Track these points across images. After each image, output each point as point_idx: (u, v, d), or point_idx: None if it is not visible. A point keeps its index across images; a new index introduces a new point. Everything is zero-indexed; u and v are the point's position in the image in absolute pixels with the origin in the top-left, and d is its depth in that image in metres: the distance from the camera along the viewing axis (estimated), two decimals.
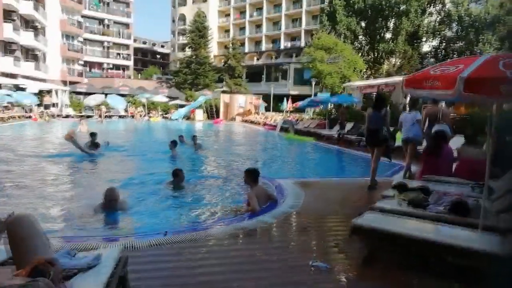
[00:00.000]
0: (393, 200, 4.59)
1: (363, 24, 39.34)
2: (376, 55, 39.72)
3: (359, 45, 40.14)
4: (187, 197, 6.55)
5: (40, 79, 37.78)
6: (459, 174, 6.00)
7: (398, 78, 22.99)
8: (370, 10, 37.61)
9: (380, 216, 3.98)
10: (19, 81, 32.49)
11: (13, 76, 33.23)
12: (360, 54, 38.35)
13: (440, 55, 38.80)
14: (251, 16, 63.77)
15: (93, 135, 12.91)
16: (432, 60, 40.90)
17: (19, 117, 25.39)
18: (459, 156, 6.41)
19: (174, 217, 5.37)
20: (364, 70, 38.02)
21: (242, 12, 65.44)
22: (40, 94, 31.70)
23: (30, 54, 38.48)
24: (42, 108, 28.91)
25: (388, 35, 39.59)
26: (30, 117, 26.00)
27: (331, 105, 24.14)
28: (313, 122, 22.18)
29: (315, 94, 30.00)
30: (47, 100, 28.94)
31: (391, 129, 14.81)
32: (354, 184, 7.76)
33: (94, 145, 11.16)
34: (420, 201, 4.36)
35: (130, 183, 7.62)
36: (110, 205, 5.03)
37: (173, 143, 11.57)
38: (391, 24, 39.03)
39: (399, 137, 14.22)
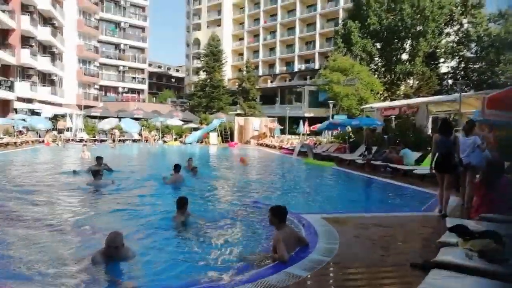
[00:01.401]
0: (457, 250, 3.67)
1: (378, 45, 38.89)
2: (393, 77, 39.01)
3: (375, 67, 39.56)
4: (197, 239, 5.59)
5: (56, 103, 38.07)
6: None
7: (420, 100, 22.09)
8: (386, 31, 37.16)
9: (449, 278, 3.06)
10: (35, 106, 32.67)
11: (29, 101, 33.49)
12: (376, 76, 37.69)
13: (459, 76, 37.78)
14: (264, 39, 64.15)
15: (98, 159, 12.24)
16: (450, 81, 39.98)
17: (32, 142, 25.17)
18: None
19: (184, 267, 4.47)
20: (381, 91, 37.26)
21: (256, 36, 65.94)
22: (55, 118, 31.72)
23: (47, 79, 38.94)
24: (55, 133, 28.73)
25: (404, 56, 38.97)
26: (43, 141, 25.76)
27: (349, 128, 23.22)
28: (332, 146, 21.25)
29: (332, 117, 29.18)
30: (60, 124, 28.81)
31: (419, 153, 13.95)
32: (394, 220, 6.77)
33: (95, 173, 9.87)
34: (494, 253, 3.43)
35: (133, 218, 6.80)
36: (112, 252, 4.22)
37: (176, 167, 10.75)
38: (407, 45, 38.49)
39: (427, 162, 13.29)
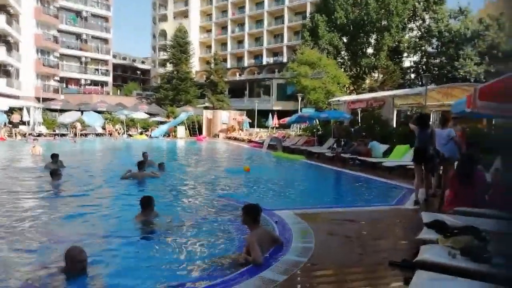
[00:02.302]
0: (438, 248, 3.58)
1: (345, 39, 39.38)
2: (358, 70, 39.68)
3: (341, 61, 40.07)
4: (163, 241, 5.22)
5: (13, 96, 35.87)
6: (493, 204, 5.07)
7: (387, 93, 22.48)
8: (352, 25, 37.65)
9: (438, 281, 2.92)
10: None
11: None
12: (343, 70, 38.20)
13: (421, 70, 38.96)
14: (233, 32, 63.45)
15: (53, 156, 11.52)
16: (413, 75, 41.20)
17: None
18: (494, 182, 5.49)
19: (148, 273, 4.11)
20: (348, 85, 37.82)
21: (224, 28, 65.09)
22: (12, 111, 29.86)
23: (2, 69, 36.61)
24: (10, 127, 27.03)
25: (370, 50, 39.71)
26: None
27: (317, 121, 23.34)
28: (301, 139, 21.28)
29: (300, 110, 29.27)
30: (15, 118, 27.09)
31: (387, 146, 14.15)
32: (367, 215, 6.69)
33: (53, 172, 9.08)
34: (477, 250, 3.35)
35: (91, 222, 6.27)
36: (76, 268, 3.78)
37: (141, 164, 10.31)
38: (372, 40, 39.21)
39: (395, 155, 13.49)
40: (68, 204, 7.66)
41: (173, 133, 32.60)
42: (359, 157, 13.68)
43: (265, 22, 59.05)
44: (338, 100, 25.49)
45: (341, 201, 8.77)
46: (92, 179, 10.60)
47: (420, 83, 35.45)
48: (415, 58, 40.28)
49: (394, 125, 19.24)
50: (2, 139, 23.56)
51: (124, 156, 17.19)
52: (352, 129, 18.86)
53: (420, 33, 38.97)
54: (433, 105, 19.47)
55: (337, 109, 24.45)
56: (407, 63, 41.49)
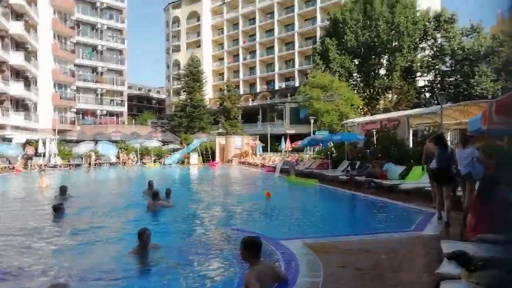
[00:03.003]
0: (461, 285, 3.11)
1: (356, 61, 39.30)
2: (372, 92, 39.34)
3: (354, 83, 39.88)
4: (159, 276, 4.87)
5: (31, 129, 36.72)
6: None
7: (401, 113, 22.01)
8: (362, 47, 37.62)
9: None
10: (6, 132, 31.37)
11: (1, 127, 32.16)
12: (356, 91, 37.93)
13: (435, 89, 38.33)
14: (244, 59, 64.38)
15: (62, 189, 11.39)
16: (428, 94, 40.55)
17: (1, 169, 23.88)
18: None
19: None
20: (361, 106, 37.44)
21: (236, 56, 66.15)
22: (29, 144, 30.44)
23: (21, 104, 37.66)
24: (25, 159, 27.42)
25: (382, 71, 39.45)
26: (13, 168, 24.47)
27: (330, 143, 22.89)
28: (314, 162, 20.80)
29: (314, 133, 28.91)
30: (30, 150, 27.49)
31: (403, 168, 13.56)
32: (382, 244, 6.17)
33: (56, 208, 8.79)
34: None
35: (85, 255, 6.00)
36: None
37: (155, 194, 9.98)
38: (384, 61, 39.02)
39: (412, 177, 12.88)
40: (67, 237, 7.40)
41: (187, 160, 32.54)
42: (374, 180, 13.13)
43: (276, 49, 59.78)
44: (352, 122, 25.10)
45: (355, 228, 8.22)
46: (97, 210, 10.35)
47: (436, 102, 34.79)
48: (429, 77, 39.76)
49: (411, 145, 18.66)
50: (18, 171, 23.85)
51: (134, 185, 17.02)
52: (368, 151, 18.34)
53: (432, 52, 38.59)
54: (450, 124, 18.87)
55: (351, 131, 24.02)
56: (421, 82, 40.95)
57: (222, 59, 68.31)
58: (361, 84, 39.92)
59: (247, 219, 8.89)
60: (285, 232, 7.11)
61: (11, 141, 29.36)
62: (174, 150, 34.41)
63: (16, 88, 35.13)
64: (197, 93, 49.13)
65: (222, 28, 67.63)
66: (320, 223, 8.62)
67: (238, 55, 65.51)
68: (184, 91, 50.60)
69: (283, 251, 5.49)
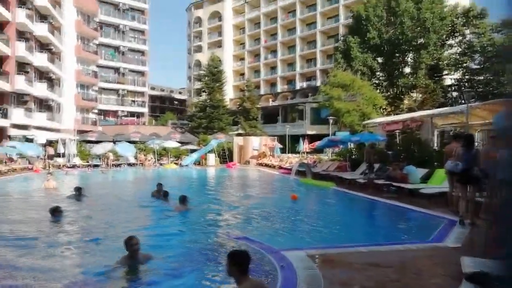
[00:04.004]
0: None
1: (380, 60, 38.06)
2: (395, 91, 37.99)
3: (377, 82, 38.64)
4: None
5: (54, 129, 37.38)
6: None
7: (424, 113, 20.86)
8: (386, 45, 36.36)
9: None
10: (30, 132, 31.95)
11: (25, 127, 32.82)
12: (378, 91, 36.70)
13: (463, 87, 36.57)
14: (265, 58, 63.88)
15: (77, 189, 11.22)
16: (455, 93, 38.79)
17: (21, 169, 24.19)
18: None
19: None
20: (384, 106, 36.15)
21: (257, 55, 65.77)
22: (50, 144, 30.92)
23: (44, 104, 38.42)
24: (46, 159, 27.78)
25: (407, 70, 38.03)
26: (32, 168, 24.77)
27: (350, 144, 22.00)
28: (332, 164, 19.98)
29: (334, 133, 28.02)
30: (50, 150, 27.79)
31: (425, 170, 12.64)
32: (395, 257, 5.44)
33: (53, 210, 8.56)
34: None
35: (76, 263, 5.60)
36: None
37: (183, 198, 9.63)
38: (409, 59, 37.61)
39: (435, 180, 11.95)
40: (64, 240, 7.05)
41: (204, 161, 32.25)
42: (394, 183, 12.27)
43: (298, 48, 58.95)
44: (374, 122, 24.12)
45: (367, 237, 7.47)
46: (103, 212, 10.04)
47: (463, 101, 33.19)
48: (457, 75, 38.00)
49: (435, 146, 17.58)
50: (37, 171, 24.09)
51: (147, 186, 16.72)
52: (390, 152, 17.35)
53: (460, 49, 36.86)
54: (478, 124, 17.63)
55: (372, 131, 23.04)
56: (448, 81, 39.22)
57: (243, 58, 68.07)
58: (385, 83, 38.61)
59: (246, 225, 8.32)
60: (287, 241, 6.47)
61: (32, 141, 29.84)
62: (192, 151, 34.19)
63: (39, 89, 35.81)
64: (217, 93, 48.94)
65: (244, 28, 67.39)
66: (328, 231, 7.87)
67: (259, 54, 65.09)
68: (203, 91, 50.55)
69: (282, 264, 4.89)
